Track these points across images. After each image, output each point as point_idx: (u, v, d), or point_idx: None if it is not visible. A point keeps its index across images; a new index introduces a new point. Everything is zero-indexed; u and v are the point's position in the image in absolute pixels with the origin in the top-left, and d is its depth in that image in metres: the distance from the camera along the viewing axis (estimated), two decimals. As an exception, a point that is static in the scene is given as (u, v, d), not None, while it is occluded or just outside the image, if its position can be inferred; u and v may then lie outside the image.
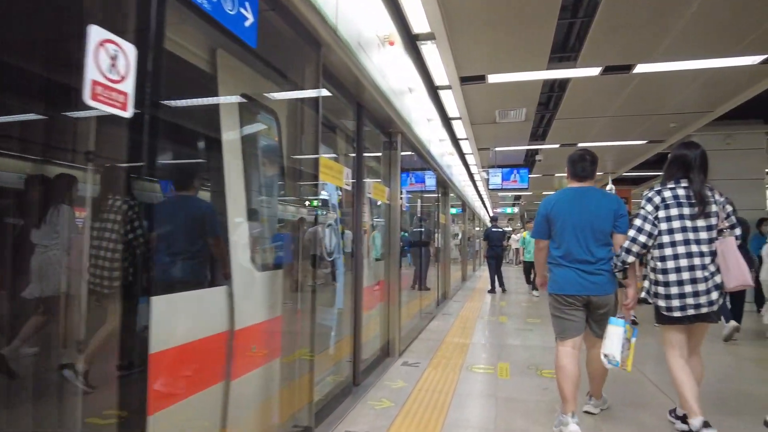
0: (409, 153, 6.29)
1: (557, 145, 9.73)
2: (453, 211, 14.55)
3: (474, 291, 11.28)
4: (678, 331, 2.82)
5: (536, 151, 10.78)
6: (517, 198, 21.66)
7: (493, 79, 5.78)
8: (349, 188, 3.68)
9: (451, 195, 11.46)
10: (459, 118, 7.58)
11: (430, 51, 4.98)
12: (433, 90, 6.32)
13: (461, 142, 9.41)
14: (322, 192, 3.45)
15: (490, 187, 12.09)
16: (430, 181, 7.51)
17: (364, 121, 3.98)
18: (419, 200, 7.53)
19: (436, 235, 9.01)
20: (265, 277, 2.53)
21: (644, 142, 9.33)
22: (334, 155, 4.17)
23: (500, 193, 19.58)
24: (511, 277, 14.05)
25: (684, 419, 2.84)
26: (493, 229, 11.21)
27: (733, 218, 2.74)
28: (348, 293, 3.88)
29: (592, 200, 2.95)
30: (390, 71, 4.20)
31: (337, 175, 3.40)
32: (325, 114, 4.00)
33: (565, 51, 5.31)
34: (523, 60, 5.30)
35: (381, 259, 4.80)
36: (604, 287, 2.89)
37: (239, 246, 2.33)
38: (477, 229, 22.39)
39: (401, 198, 5.23)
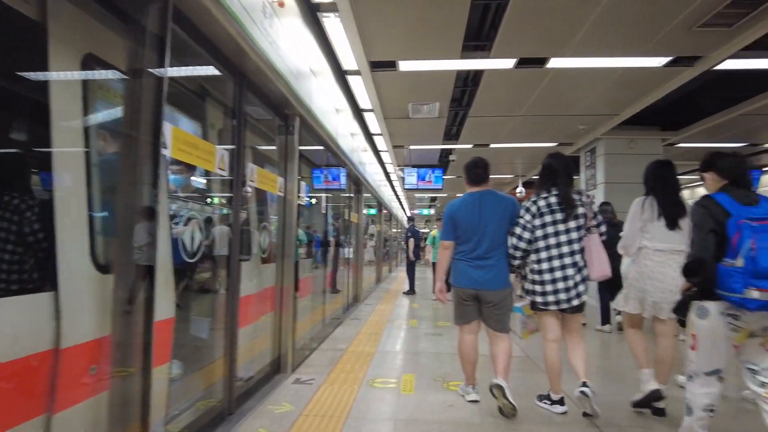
0: (319, 147, 5.72)
1: (470, 146, 9.61)
2: (372, 211, 14.16)
3: (388, 293, 10.90)
4: (553, 319, 3.18)
5: (450, 151, 10.63)
6: (433, 200, 21.80)
7: (404, 66, 5.36)
8: (226, 175, 3.02)
9: (368, 195, 11.02)
10: (371, 110, 7.12)
11: (334, 27, 4.44)
12: (342, 76, 5.79)
13: (375, 138, 8.97)
14: (181, 176, 2.79)
15: (406, 186, 11.82)
16: (341, 178, 6.96)
17: (246, 94, 3.33)
18: (329, 197, 6.95)
19: (348, 234, 8.49)
20: (106, 281, 1.92)
21: (554, 144, 9.46)
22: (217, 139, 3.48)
23: (417, 194, 19.54)
24: (426, 278, 13.86)
25: (550, 398, 3.21)
26: (416, 228, 11.09)
27: (600, 217, 3.14)
28: (227, 301, 3.22)
29: (488, 203, 3.24)
30: (285, 43, 3.61)
31: (206, 156, 2.74)
32: (202, 85, 3.33)
33: (479, 39, 5.00)
34: (436, 46, 4.92)
35: (271, 261, 4.16)
36: (495, 282, 3.20)
37: (70, 243, 1.78)
38: (395, 230, 22.25)
39: (301, 192, 4.63)
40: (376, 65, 5.38)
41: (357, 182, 8.80)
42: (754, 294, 2.08)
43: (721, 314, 2.30)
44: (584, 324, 6.05)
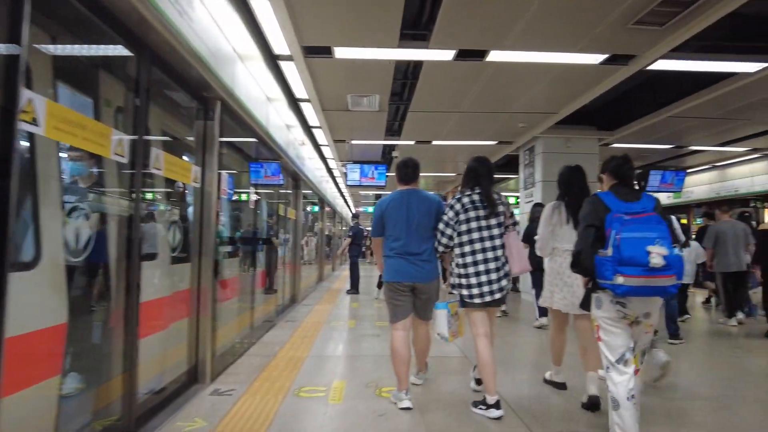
0: (250, 139, 5.33)
1: (413, 142, 9.45)
2: (314, 208, 13.76)
3: (329, 292, 10.56)
4: (481, 315, 3.26)
5: (393, 147, 10.44)
6: (378, 197, 21.62)
7: (341, 53, 5.06)
8: (124, 160, 2.61)
9: (308, 191, 10.64)
10: (308, 101, 6.77)
11: (262, 6, 4.07)
12: (274, 61, 5.41)
13: (315, 132, 8.62)
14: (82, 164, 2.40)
15: (348, 183, 11.49)
16: (275, 172, 6.56)
17: (151, 71, 2.93)
18: (263, 192, 6.54)
19: (285, 232, 8.09)
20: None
21: (494, 143, 9.48)
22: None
23: (362, 191, 19.29)
24: (373, 276, 13.64)
25: (489, 404, 3.11)
26: (360, 227, 10.80)
27: (515, 217, 3.28)
28: (125, 307, 2.80)
29: (415, 201, 3.37)
30: (203, 19, 3.25)
31: (96, 139, 2.34)
32: (100, 59, 2.89)
33: (417, 28, 4.79)
34: (373, 33, 4.66)
35: (186, 260, 3.75)
36: (428, 275, 3.34)
37: None
38: (341, 228, 21.91)
39: (223, 184, 4.23)
40: (310, 51, 5.05)
41: (295, 177, 8.41)
42: (620, 280, 2.30)
43: (611, 302, 2.50)
44: (505, 312, 7.00)
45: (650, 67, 5.39)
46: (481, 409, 3.14)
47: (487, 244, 3.19)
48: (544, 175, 8.86)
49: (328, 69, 5.57)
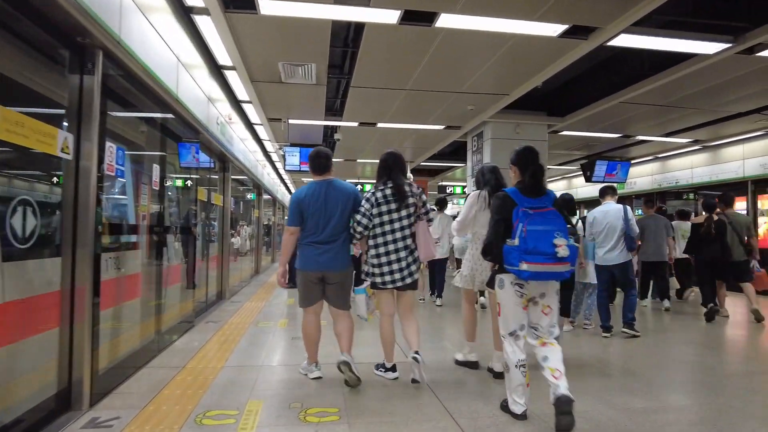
0: (166, 113, 4.45)
1: (356, 124, 8.74)
2: (254, 196, 12.75)
3: (264, 286, 9.72)
4: (388, 297, 3.57)
5: (335, 129, 9.68)
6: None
7: (267, 7, 4.26)
8: None
9: (242, 177, 9.70)
10: (233, 68, 5.90)
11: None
12: (187, 15, 4.54)
13: (246, 108, 7.71)
14: None
15: (287, 167, 10.70)
16: (195, 150, 5.67)
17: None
18: (176, 174, 5.64)
19: (209, 220, 7.19)
20: None
21: (442, 127, 8.95)
22: None
23: (305, 178, 18.37)
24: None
25: (387, 368, 3.61)
26: None
27: (428, 206, 3.58)
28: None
29: (333, 191, 3.47)
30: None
31: None
32: None
33: (357, -20, 4.09)
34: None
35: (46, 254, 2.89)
36: (340, 265, 3.48)
37: None
38: (284, 217, 20.82)
39: (111, 158, 3.37)
40: (229, 2, 4.23)
41: (222, 158, 7.50)
42: (524, 266, 2.63)
43: (512, 284, 2.85)
44: (422, 300, 7.53)
45: (611, 43, 4.97)
46: (380, 371, 3.67)
47: (398, 234, 3.45)
48: (493, 161, 8.41)
49: (253, 28, 4.75)
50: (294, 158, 10.74)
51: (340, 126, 9.13)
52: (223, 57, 5.53)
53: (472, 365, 3.94)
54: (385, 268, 3.45)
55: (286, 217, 16.00)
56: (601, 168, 12.24)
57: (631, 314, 5.21)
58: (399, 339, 3.83)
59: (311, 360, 3.71)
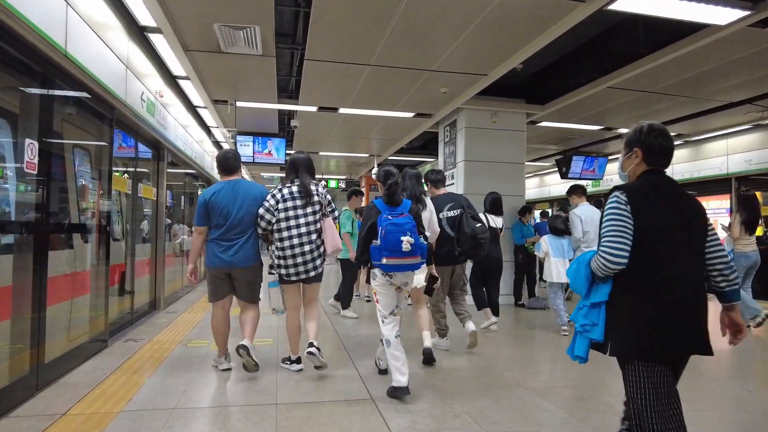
0: (46, 74, 3.38)
1: (315, 108, 7.75)
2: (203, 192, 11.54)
3: (211, 292, 8.61)
4: (294, 290, 3.80)
5: (291, 115, 8.67)
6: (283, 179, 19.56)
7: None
8: None
9: (186, 169, 8.58)
10: (159, 31, 4.84)
11: None
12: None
13: (184, 85, 6.61)
14: None
15: (242, 159, 9.58)
16: (104, 127, 4.59)
17: None
18: (74, 157, 4.54)
19: (136, 218, 6.07)
20: None
21: (412, 114, 8.06)
22: None
23: (264, 173, 17.18)
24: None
25: (293, 361, 3.86)
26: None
27: (333, 205, 3.80)
28: None
29: (241, 190, 3.67)
30: None
31: None
32: None
33: None
34: None
35: None
36: (245, 260, 3.65)
37: None
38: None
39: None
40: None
41: (155, 145, 6.39)
42: (384, 261, 3.24)
43: (382, 276, 3.38)
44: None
45: (612, 7, 4.19)
46: (287, 363, 3.85)
47: (303, 230, 3.60)
48: (467, 153, 7.62)
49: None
50: (247, 148, 9.65)
51: (296, 111, 8.13)
52: (142, 14, 4.47)
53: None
54: (290, 261, 3.60)
55: None
56: (577, 164, 11.65)
57: None
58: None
59: (221, 352, 3.85)
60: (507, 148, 7.81)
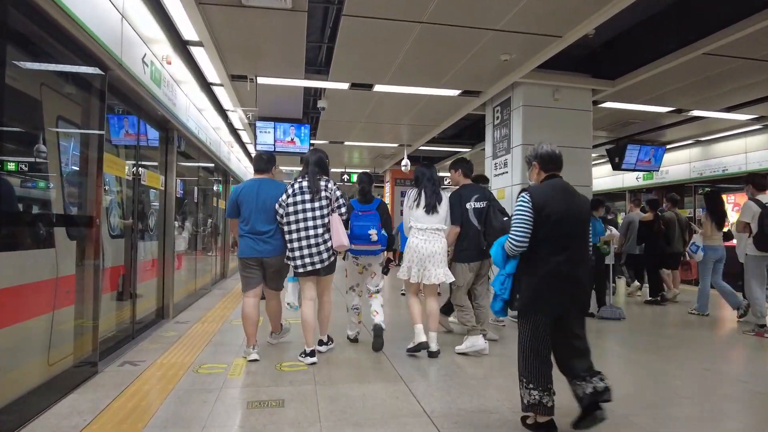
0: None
1: (346, 86, 6.72)
2: (219, 187, 10.62)
3: (228, 296, 7.63)
4: (309, 282, 3.96)
5: (319, 94, 7.63)
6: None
7: None
8: None
9: (201, 160, 7.63)
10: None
11: None
12: None
13: (197, 54, 5.61)
14: None
15: (259, 147, 8.64)
16: (96, 99, 3.60)
17: None
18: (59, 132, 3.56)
19: (142, 210, 5.11)
20: None
21: (457, 93, 6.98)
22: None
23: (283, 167, 16.20)
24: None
25: (307, 354, 3.86)
26: None
27: (341, 200, 3.89)
28: None
29: (264, 189, 3.94)
30: None
31: None
32: None
33: None
34: None
35: None
36: (274, 251, 3.88)
37: None
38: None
39: None
40: None
41: (163, 125, 5.42)
42: (353, 247, 4.06)
43: (352, 256, 4.32)
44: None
45: None
46: (302, 356, 3.89)
47: (309, 223, 3.76)
48: (525, 136, 6.51)
49: None
50: (267, 135, 8.68)
51: (324, 90, 7.10)
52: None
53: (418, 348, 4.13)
54: (297, 253, 3.77)
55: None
56: (632, 153, 10.44)
57: None
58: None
59: (249, 342, 3.95)
60: (571, 130, 6.69)
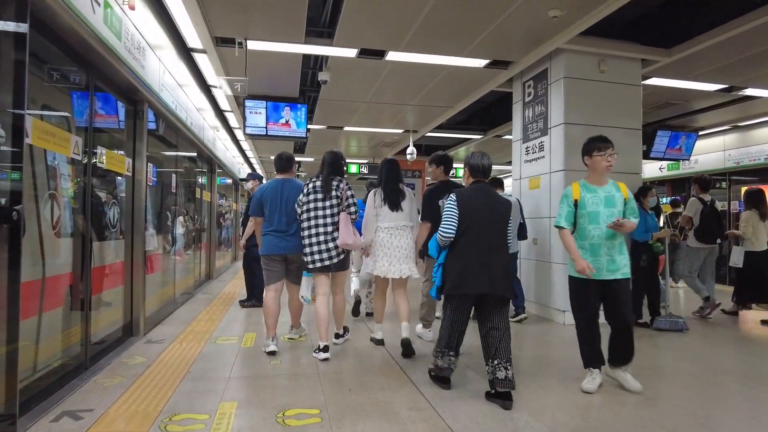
0: None
1: (353, 53, 5.63)
2: (216, 181, 9.49)
3: (214, 302, 6.54)
4: (322, 278, 4.06)
5: (321, 64, 6.53)
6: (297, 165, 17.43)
7: None
8: None
9: (180, 140, 6.53)
10: None
11: None
12: None
13: (170, 4, 4.49)
14: None
15: (248, 130, 7.55)
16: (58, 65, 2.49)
17: None
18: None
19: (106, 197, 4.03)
20: None
21: (484, 63, 5.93)
22: None
23: (273, 157, 15.04)
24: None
25: (321, 349, 3.94)
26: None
27: (350, 200, 3.97)
28: None
29: (286, 188, 4.14)
30: None
31: None
32: None
33: None
34: None
35: None
36: (297, 248, 4.05)
37: None
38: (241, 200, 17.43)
39: None
40: None
41: (129, 95, 4.31)
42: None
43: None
44: None
45: None
46: (315, 352, 3.96)
47: (320, 221, 3.92)
48: (568, 114, 5.50)
49: None
50: (258, 117, 7.57)
51: (328, 59, 6.00)
52: None
53: (379, 342, 4.37)
54: (308, 249, 3.93)
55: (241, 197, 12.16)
56: (662, 140, 9.47)
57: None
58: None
59: (269, 333, 4.10)
60: (618, 108, 5.70)
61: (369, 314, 5.43)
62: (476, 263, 2.99)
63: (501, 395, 2.88)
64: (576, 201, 3.24)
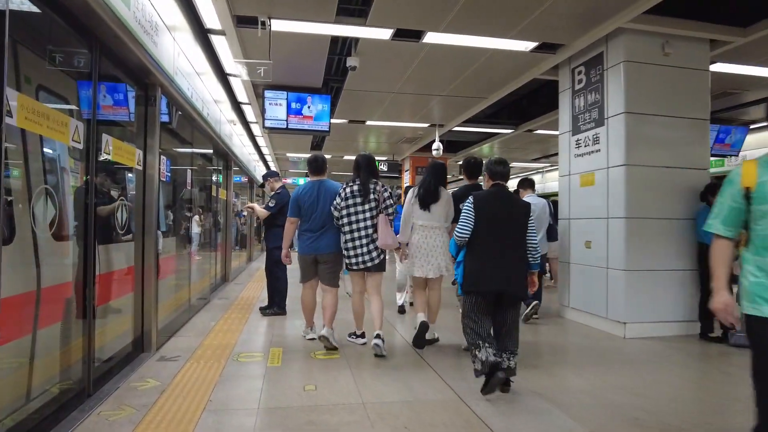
0: None
1: (388, 34, 5.07)
2: (216, 174, 8.98)
3: (232, 309, 6.02)
4: (357, 277, 4.27)
5: (348, 51, 5.96)
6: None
7: None
8: None
9: (206, 144, 6.02)
10: None
11: None
12: None
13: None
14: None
15: (268, 123, 7.03)
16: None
17: None
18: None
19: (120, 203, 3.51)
20: None
21: (531, 46, 5.34)
22: None
23: (290, 155, 14.56)
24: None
25: (358, 335, 4.45)
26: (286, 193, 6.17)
27: (388, 201, 4.12)
28: None
29: (324, 190, 4.29)
30: None
31: None
32: None
33: None
34: None
35: None
36: (328, 247, 4.22)
37: None
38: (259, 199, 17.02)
39: None
40: None
41: (139, 76, 3.79)
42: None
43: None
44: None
45: None
46: (352, 337, 4.45)
47: (361, 224, 4.08)
48: (630, 102, 4.89)
49: None
50: (279, 109, 7.05)
51: (359, 41, 5.45)
52: None
53: (432, 341, 4.53)
54: (350, 252, 4.11)
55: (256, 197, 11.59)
56: (710, 133, 8.84)
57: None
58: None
59: (308, 324, 4.59)
60: (683, 95, 5.08)
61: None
62: (492, 262, 3.21)
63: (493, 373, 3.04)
64: (748, 190, 1.87)
